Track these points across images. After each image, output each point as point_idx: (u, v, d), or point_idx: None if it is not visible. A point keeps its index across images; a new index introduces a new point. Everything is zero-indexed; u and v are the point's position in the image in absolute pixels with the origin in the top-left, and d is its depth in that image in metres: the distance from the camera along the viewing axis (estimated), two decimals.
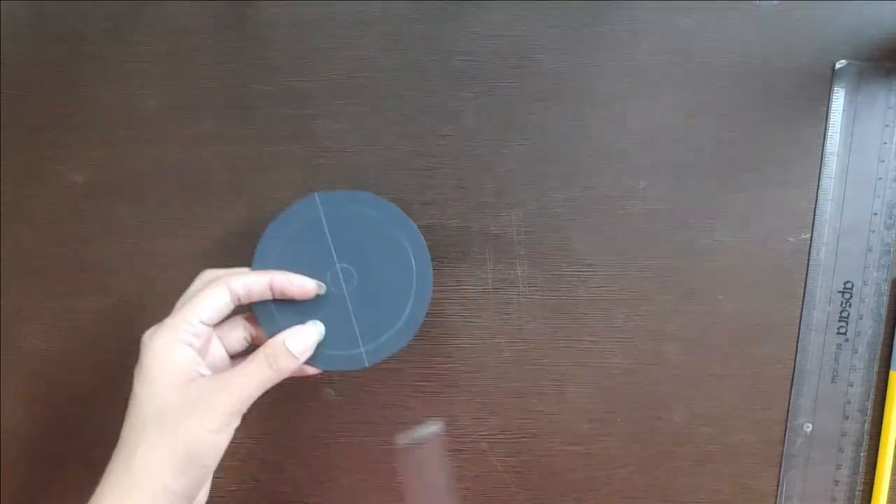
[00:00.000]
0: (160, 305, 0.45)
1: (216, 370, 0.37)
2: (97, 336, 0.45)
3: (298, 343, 0.36)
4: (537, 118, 0.41)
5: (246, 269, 0.38)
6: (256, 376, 0.34)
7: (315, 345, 0.37)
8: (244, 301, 0.37)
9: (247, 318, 0.39)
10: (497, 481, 0.43)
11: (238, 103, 0.43)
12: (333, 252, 0.39)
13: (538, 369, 0.42)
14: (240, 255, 0.44)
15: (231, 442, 0.34)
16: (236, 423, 0.34)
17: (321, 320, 0.38)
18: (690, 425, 0.42)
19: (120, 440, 0.34)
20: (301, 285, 0.37)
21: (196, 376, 0.34)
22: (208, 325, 0.35)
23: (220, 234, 0.44)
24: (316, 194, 0.39)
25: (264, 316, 0.38)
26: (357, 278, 0.39)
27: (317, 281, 0.38)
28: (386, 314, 0.39)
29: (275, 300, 0.38)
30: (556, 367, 0.42)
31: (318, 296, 0.38)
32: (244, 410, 0.35)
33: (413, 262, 0.39)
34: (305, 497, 0.45)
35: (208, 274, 0.37)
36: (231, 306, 0.36)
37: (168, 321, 0.35)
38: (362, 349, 0.38)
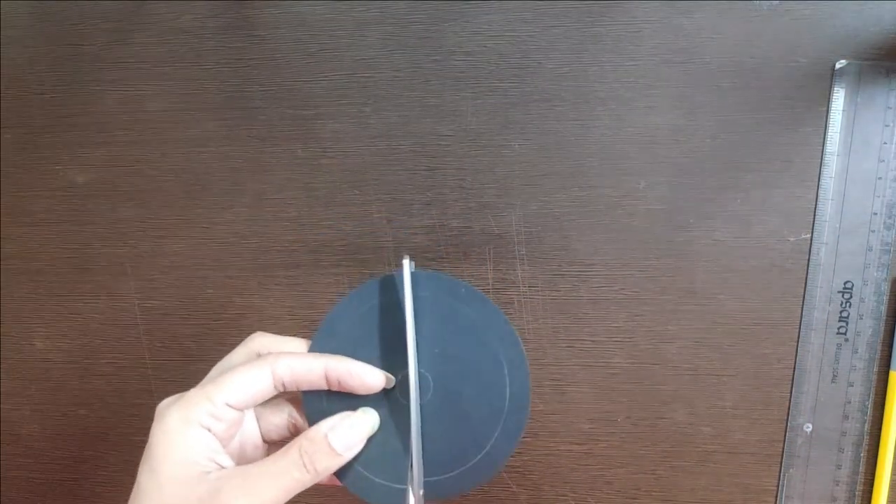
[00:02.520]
0: (161, 306, 0.45)
1: (244, 459, 0.30)
2: (97, 336, 0.45)
3: (344, 436, 0.29)
4: (537, 118, 0.41)
5: (303, 343, 0.31)
6: (285, 477, 0.28)
7: (364, 440, 0.30)
8: (289, 388, 0.30)
9: (293, 402, 0.32)
10: (497, 481, 0.43)
11: (238, 103, 0.43)
12: (410, 349, 0.29)
13: (539, 369, 0.42)
14: (240, 255, 0.44)
15: None
16: None
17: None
18: (691, 425, 0.42)
19: None
20: (364, 377, 0.29)
21: (212, 467, 0.28)
22: (237, 408, 0.29)
23: (221, 235, 0.44)
24: (406, 263, 0.30)
25: (312, 405, 0.30)
26: (433, 391, 0.30)
27: (385, 373, 0.30)
28: (460, 444, 0.29)
29: (328, 391, 0.30)
30: (557, 366, 0.42)
31: (380, 398, 0.30)
32: None
33: (507, 383, 0.30)
34: (306, 497, 0.45)
35: (258, 340, 0.31)
36: (272, 392, 0.29)
37: (190, 394, 0.28)
38: (409, 487, 0.29)
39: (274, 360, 0.29)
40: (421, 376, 0.30)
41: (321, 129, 0.42)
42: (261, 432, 0.31)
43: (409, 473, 0.29)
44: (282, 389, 0.30)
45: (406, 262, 0.30)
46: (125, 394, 0.46)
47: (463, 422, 0.29)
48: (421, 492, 0.30)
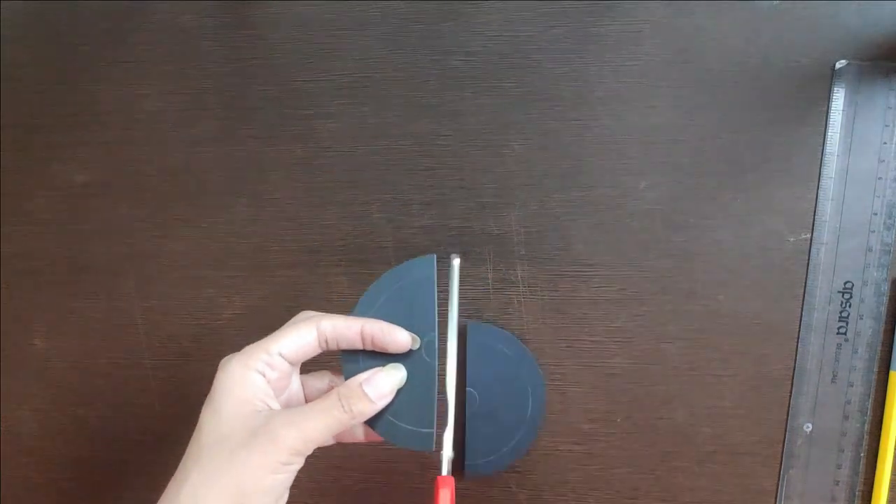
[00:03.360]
0: (161, 306, 0.45)
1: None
2: (97, 336, 0.45)
3: (376, 386, 0.34)
4: (537, 118, 0.41)
5: (342, 316, 0.36)
6: (327, 416, 0.32)
7: (394, 391, 0.35)
8: (332, 346, 0.35)
9: (334, 372, 0.38)
10: (497, 481, 0.43)
11: (238, 103, 0.43)
12: (436, 318, 0.37)
13: (538, 367, 0.42)
14: (240, 255, 0.44)
15: None
16: (297, 464, 0.32)
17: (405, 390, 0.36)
18: (690, 425, 0.42)
19: (179, 466, 0.32)
20: (394, 335, 0.35)
21: (264, 408, 0.32)
22: (289, 360, 0.33)
23: (221, 234, 0.44)
24: (456, 263, 0.40)
25: (349, 364, 0.36)
26: (479, 404, 0.41)
27: (412, 334, 0.36)
28: (495, 439, 0.40)
29: (363, 351, 0.36)
30: (557, 366, 0.42)
31: (407, 358, 0.36)
32: (308, 452, 0.32)
33: (530, 402, 0.41)
34: (305, 497, 0.45)
35: (304, 314, 0.36)
36: (317, 347, 0.34)
37: (247, 348, 0.33)
38: (434, 430, 0.36)
39: (318, 319, 0.34)
40: (469, 394, 0.41)
41: (321, 129, 0.42)
42: (304, 394, 0.36)
43: (435, 421, 0.36)
44: (325, 347, 0.34)
45: (456, 262, 0.40)
46: (125, 394, 0.46)
47: (498, 425, 0.41)
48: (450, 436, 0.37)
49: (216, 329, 0.44)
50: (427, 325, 0.36)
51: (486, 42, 0.41)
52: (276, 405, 0.33)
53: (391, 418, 0.35)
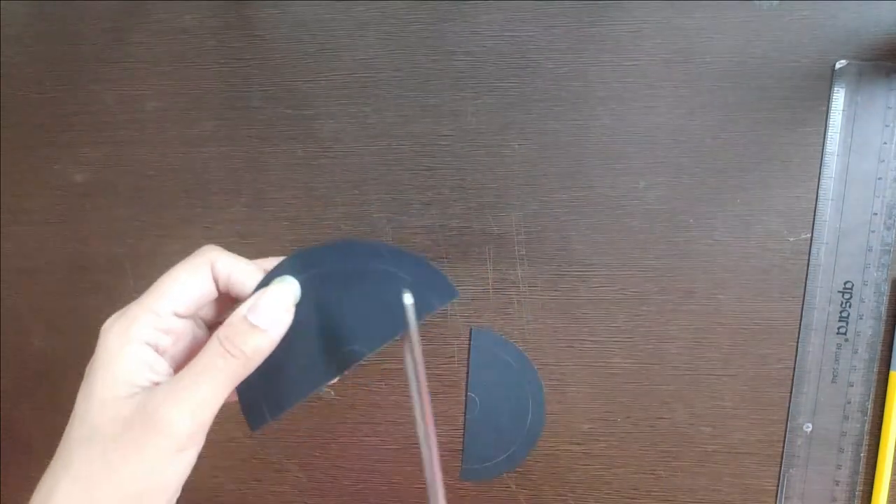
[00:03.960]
0: None
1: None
2: (97, 336, 0.45)
3: (265, 310, 0.26)
4: (537, 118, 0.41)
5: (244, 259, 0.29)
6: (215, 374, 0.25)
7: (290, 311, 0.27)
8: (231, 290, 0.28)
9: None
10: (497, 481, 0.43)
11: (238, 103, 0.43)
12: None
13: (539, 369, 0.42)
14: (240, 255, 0.44)
15: (230, 441, 0.31)
16: (195, 447, 0.25)
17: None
18: (690, 425, 0.42)
19: (48, 468, 0.26)
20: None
21: (147, 385, 0.25)
22: (185, 316, 0.27)
23: (221, 235, 0.44)
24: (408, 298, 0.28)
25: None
26: (479, 410, 0.40)
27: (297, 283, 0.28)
28: (493, 447, 0.41)
29: None
30: (557, 366, 0.42)
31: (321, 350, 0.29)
32: (205, 429, 0.25)
33: (529, 412, 0.41)
34: (305, 497, 0.45)
35: (207, 253, 0.28)
36: (214, 291, 0.28)
37: (131, 309, 0.26)
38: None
39: (213, 254, 0.27)
40: (470, 399, 0.40)
41: (321, 129, 0.42)
42: (204, 325, 0.29)
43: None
44: (223, 290, 0.28)
45: (409, 302, 0.28)
46: None
47: (497, 432, 0.40)
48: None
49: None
50: (362, 335, 0.29)
51: (486, 42, 0.41)
52: (163, 377, 0.26)
53: (257, 377, 0.28)
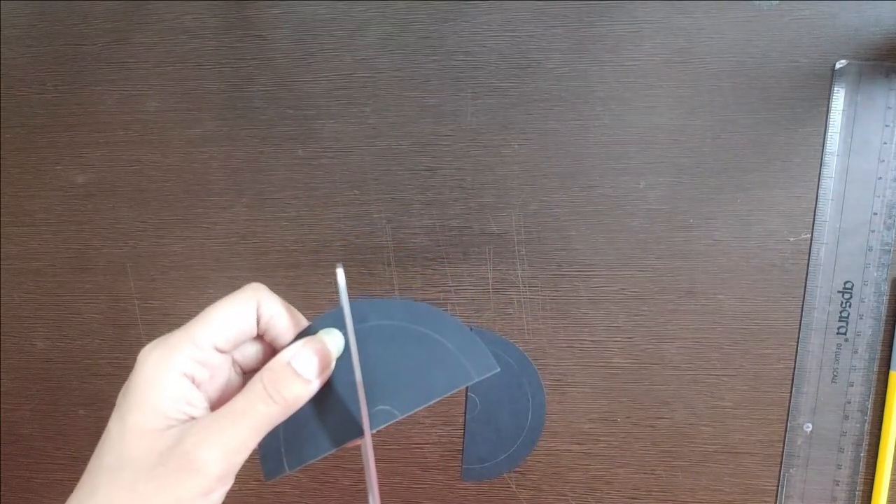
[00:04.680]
0: (161, 306, 0.45)
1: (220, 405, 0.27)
2: (97, 336, 0.45)
3: (308, 361, 0.26)
4: (537, 118, 0.41)
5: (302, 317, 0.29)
6: (252, 416, 0.25)
7: (332, 364, 0.28)
8: (268, 332, 0.28)
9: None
10: (497, 481, 0.43)
11: (239, 103, 0.43)
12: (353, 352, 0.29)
13: (539, 369, 0.42)
14: (240, 255, 0.44)
15: None
16: (223, 489, 0.25)
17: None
18: (691, 425, 0.42)
19: (74, 490, 0.25)
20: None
21: (183, 418, 0.25)
22: (224, 350, 0.27)
23: (221, 235, 0.44)
24: (340, 273, 0.29)
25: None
26: (479, 410, 0.39)
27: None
28: (493, 447, 0.40)
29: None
30: (557, 366, 0.42)
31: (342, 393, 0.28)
32: (236, 466, 0.25)
33: (530, 414, 0.40)
34: (305, 497, 0.45)
35: (254, 289, 0.28)
36: (254, 330, 0.28)
37: (173, 337, 0.26)
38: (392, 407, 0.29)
39: (260, 293, 0.27)
40: (470, 399, 0.39)
41: (321, 129, 0.42)
42: (241, 367, 0.29)
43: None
44: (261, 331, 0.28)
45: (340, 271, 0.29)
46: None
47: (497, 432, 0.40)
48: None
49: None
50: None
51: (486, 42, 0.41)
52: (201, 412, 0.26)
53: (281, 433, 0.28)
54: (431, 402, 0.29)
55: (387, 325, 0.30)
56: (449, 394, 0.29)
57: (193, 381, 0.26)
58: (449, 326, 0.30)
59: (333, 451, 0.28)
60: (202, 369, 0.26)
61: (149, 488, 0.23)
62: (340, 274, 0.28)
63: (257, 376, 0.26)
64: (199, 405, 0.26)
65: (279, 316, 0.28)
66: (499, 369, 0.30)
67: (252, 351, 0.29)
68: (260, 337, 0.29)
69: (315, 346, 0.27)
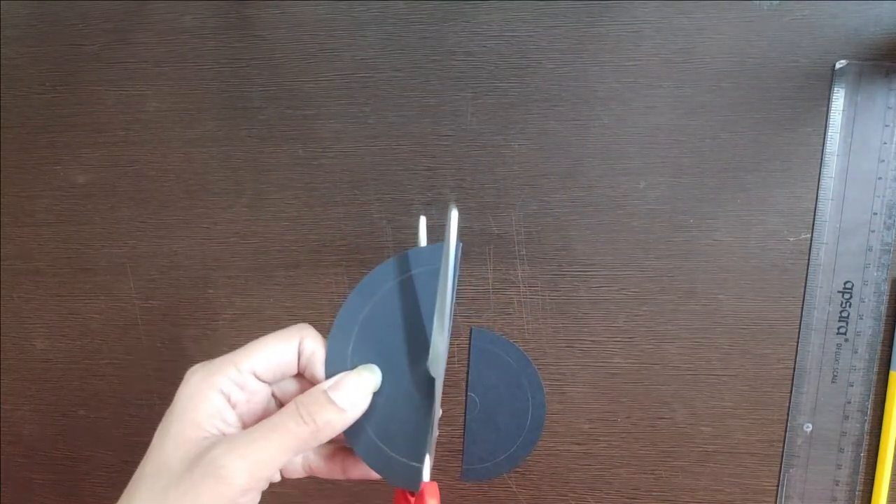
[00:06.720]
0: (161, 306, 0.45)
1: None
2: (97, 336, 0.45)
3: (345, 391, 0.27)
4: (537, 118, 0.41)
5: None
6: (282, 433, 0.26)
7: (368, 397, 0.29)
8: (307, 369, 0.29)
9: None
10: (497, 481, 0.43)
11: (238, 103, 0.43)
12: (449, 321, 0.30)
13: (539, 369, 0.42)
14: (240, 255, 0.44)
15: None
16: (250, 501, 0.26)
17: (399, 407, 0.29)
18: (691, 425, 0.42)
19: (123, 494, 0.27)
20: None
21: (215, 433, 0.27)
22: (263, 379, 0.28)
23: (221, 235, 0.44)
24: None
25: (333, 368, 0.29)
26: (479, 410, 0.36)
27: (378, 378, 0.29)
28: (493, 446, 0.37)
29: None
30: (557, 366, 0.42)
31: (406, 370, 0.30)
32: (262, 485, 0.26)
33: (530, 412, 0.38)
34: (306, 497, 0.45)
35: (298, 326, 0.30)
36: (296, 367, 0.29)
37: (218, 360, 0.28)
38: (423, 467, 0.30)
39: (305, 331, 0.29)
40: (470, 399, 0.37)
41: (321, 129, 0.42)
42: (279, 401, 0.30)
43: (427, 455, 0.29)
44: (301, 369, 0.29)
45: (454, 214, 0.27)
46: (125, 394, 0.46)
47: (497, 432, 0.38)
48: (428, 466, 0.30)
49: (216, 329, 0.44)
50: (425, 334, 0.30)
51: (486, 42, 0.41)
52: (233, 429, 0.27)
53: (377, 440, 0.29)
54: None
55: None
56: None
57: (229, 401, 0.28)
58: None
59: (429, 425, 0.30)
60: (239, 391, 0.28)
61: (177, 494, 0.25)
62: (454, 215, 0.27)
63: (294, 400, 0.27)
64: (233, 423, 0.28)
65: (320, 353, 0.29)
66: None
67: (292, 388, 0.30)
68: (300, 375, 0.30)
69: (353, 379, 0.28)
